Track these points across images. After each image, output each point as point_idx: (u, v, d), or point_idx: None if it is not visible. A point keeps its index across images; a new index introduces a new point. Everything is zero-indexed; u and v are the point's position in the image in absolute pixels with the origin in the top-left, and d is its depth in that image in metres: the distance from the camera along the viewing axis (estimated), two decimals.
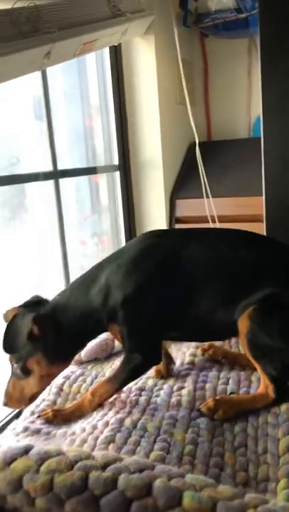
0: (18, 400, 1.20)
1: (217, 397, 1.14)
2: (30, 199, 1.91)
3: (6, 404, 1.21)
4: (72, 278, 1.68)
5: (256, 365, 1.15)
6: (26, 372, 1.18)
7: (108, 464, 0.83)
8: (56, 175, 1.74)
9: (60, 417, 1.17)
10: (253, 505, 0.77)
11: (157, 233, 1.30)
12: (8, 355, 1.18)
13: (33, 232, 1.96)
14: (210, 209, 2.08)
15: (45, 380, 1.22)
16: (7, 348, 1.15)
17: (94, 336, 1.29)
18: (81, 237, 2.30)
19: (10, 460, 0.83)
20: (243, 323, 1.13)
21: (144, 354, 1.17)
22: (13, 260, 1.80)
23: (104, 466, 0.82)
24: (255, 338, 1.12)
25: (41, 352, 1.17)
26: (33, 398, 1.23)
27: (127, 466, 0.82)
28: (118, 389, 1.19)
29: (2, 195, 1.74)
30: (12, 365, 1.19)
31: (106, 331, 1.24)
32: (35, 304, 1.24)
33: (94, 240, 2.40)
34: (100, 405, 1.18)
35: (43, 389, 1.23)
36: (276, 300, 1.13)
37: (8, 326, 1.15)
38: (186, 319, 1.20)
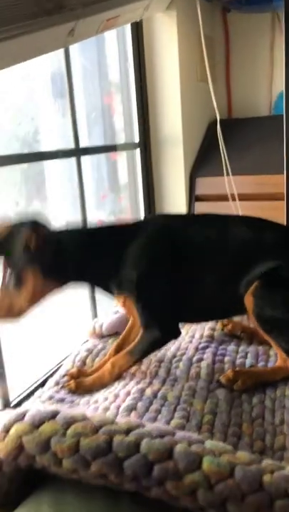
0: (4, 311, 1.18)
1: (236, 369, 1.17)
2: (50, 177, 1.93)
3: None
4: None
5: (270, 340, 1.19)
6: (19, 282, 1.16)
7: (131, 430, 0.86)
8: (78, 152, 1.75)
9: (82, 388, 1.22)
10: (270, 471, 0.81)
11: (168, 216, 1.40)
12: (3, 263, 1.18)
13: (52, 210, 1.99)
14: (230, 187, 2.08)
15: (36, 297, 1.19)
16: (4, 250, 1.15)
17: (93, 281, 1.29)
18: (99, 215, 2.33)
19: (38, 423, 0.87)
20: (249, 300, 1.17)
21: (161, 328, 1.20)
22: None
23: (127, 431, 0.86)
24: (262, 312, 1.16)
25: (38, 265, 1.16)
26: (19, 313, 1.20)
27: (149, 432, 0.86)
28: (137, 360, 1.23)
29: (23, 172, 1.77)
30: (5, 273, 1.18)
31: (109, 290, 1.26)
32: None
33: (111, 218, 2.40)
34: (120, 376, 1.22)
35: (30, 305, 1.20)
36: (277, 274, 1.16)
37: (8, 231, 1.15)
38: (196, 298, 1.24)
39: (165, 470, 0.79)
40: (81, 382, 1.23)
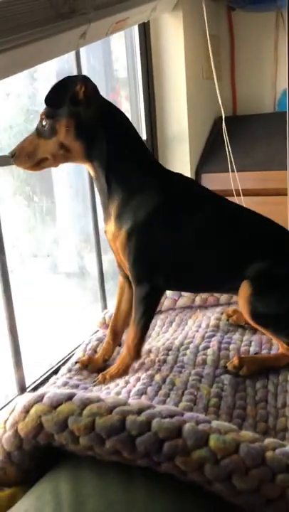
0: (27, 156, 1.19)
1: (241, 356, 1.23)
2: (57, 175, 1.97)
3: (13, 154, 1.20)
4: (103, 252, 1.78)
5: (267, 334, 1.25)
6: (51, 131, 1.16)
7: (142, 410, 0.92)
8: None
9: (110, 378, 1.24)
10: (272, 448, 0.86)
11: (195, 183, 1.38)
12: (40, 111, 1.18)
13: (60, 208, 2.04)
14: (235, 183, 2.13)
15: (61, 154, 1.19)
16: (49, 99, 1.15)
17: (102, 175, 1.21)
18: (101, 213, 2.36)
19: (56, 404, 0.93)
20: (242, 298, 1.21)
21: (150, 280, 1.20)
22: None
23: (139, 412, 0.91)
24: (254, 309, 1.20)
25: (76, 121, 1.15)
26: (40, 163, 1.20)
27: (159, 412, 0.92)
28: (142, 327, 1.23)
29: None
30: (40, 121, 1.18)
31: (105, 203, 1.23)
32: None
33: None
34: (139, 353, 1.26)
35: (52, 159, 1.20)
36: (270, 272, 1.20)
37: (60, 80, 1.15)
38: (191, 267, 1.25)
39: (174, 447, 0.84)
40: (106, 374, 1.26)
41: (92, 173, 1.25)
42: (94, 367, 1.34)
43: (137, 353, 1.25)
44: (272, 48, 2.54)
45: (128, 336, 1.26)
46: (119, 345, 1.40)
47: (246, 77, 2.64)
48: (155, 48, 2.16)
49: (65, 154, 1.19)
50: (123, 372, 1.25)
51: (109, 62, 2.26)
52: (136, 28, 2.08)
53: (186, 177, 1.33)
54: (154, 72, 2.19)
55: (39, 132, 1.18)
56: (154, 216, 1.18)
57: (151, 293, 1.22)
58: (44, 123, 1.17)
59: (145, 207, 1.17)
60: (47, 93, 1.14)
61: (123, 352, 1.28)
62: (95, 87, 1.16)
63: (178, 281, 1.31)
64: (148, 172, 1.23)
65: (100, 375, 1.26)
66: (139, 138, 1.27)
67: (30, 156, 1.18)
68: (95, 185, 1.27)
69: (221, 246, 1.25)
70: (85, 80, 1.14)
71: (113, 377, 1.24)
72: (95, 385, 1.23)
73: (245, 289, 1.20)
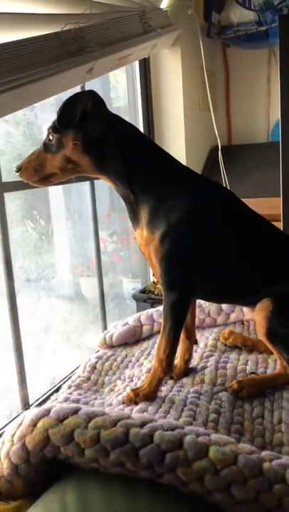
0: (33, 170, 1.17)
1: (240, 379, 1.24)
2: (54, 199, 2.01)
3: (19, 168, 1.19)
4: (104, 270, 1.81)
5: (273, 350, 1.27)
6: (58, 146, 1.15)
7: (145, 423, 0.95)
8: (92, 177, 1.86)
9: (141, 396, 1.19)
10: (269, 459, 0.90)
11: (230, 194, 1.29)
12: (48, 126, 1.17)
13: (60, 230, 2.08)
14: None
15: (70, 168, 1.18)
16: (63, 120, 1.12)
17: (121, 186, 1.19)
18: (101, 235, 2.41)
19: (63, 417, 0.96)
20: (260, 312, 1.21)
21: (181, 287, 1.17)
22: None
23: (142, 425, 0.95)
24: (272, 326, 1.20)
25: (83, 135, 1.13)
26: (46, 178, 1.20)
27: (161, 425, 0.95)
28: (174, 336, 1.19)
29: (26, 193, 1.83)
30: (48, 136, 1.17)
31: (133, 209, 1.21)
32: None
33: (113, 238, 2.50)
34: (172, 363, 1.22)
35: (60, 174, 1.19)
36: None
37: (68, 98, 1.13)
38: (221, 275, 1.22)
39: (176, 458, 0.88)
40: (138, 390, 1.21)
41: (109, 184, 1.22)
42: (178, 372, 1.31)
43: (169, 365, 1.20)
44: (265, 81, 2.66)
45: (158, 348, 1.21)
46: (196, 342, 1.38)
47: (241, 109, 2.75)
48: (155, 81, 2.27)
49: (74, 168, 1.18)
50: (156, 387, 1.21)
51: (107, 90, 2.35)
52: (137, 61, 2.19)
53: (213, 181, 1.29)
54: (154, 104, 2.30)
55: (46, 147, 1.18)
56: (187, 220, 1.15)
57: (181, 301, 1.18)
58: (51, 137, 1.16)
59: (178, 211, 1.14)
60: (59, 114, 1.11)
61: (154, 366, 1.22)
62: (102, 101, 1.14)
63: (206, 289, 1.26)
64: (174, 177, 1.20)
65: (130, 391, 1.21)
66: (157, 146, 1.24)
67: (36, 170, 1.18)
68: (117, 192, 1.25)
69: (254, 257, 1.22)
70: (92, 94, 1.12)
71: (146, 396, 1.19)
72: (124, 403, 1.20)
73: (265, 305, 1.20)
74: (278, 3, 2.16)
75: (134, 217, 1.21)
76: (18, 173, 1.20)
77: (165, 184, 1.17)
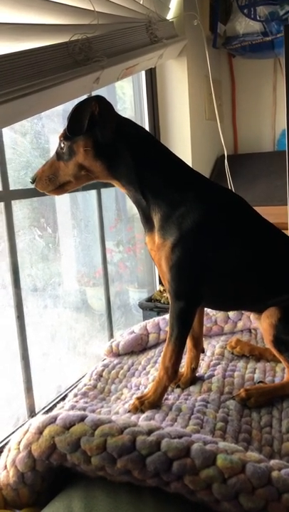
0: (48, 180, 1.18)
1: (247, 387, 1.23)
2: (61, 207, 2.02)
3: (34, 179, 1.19)
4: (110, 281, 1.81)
5: (280, 358, 1.26)
6: (70, 154, 1.15)
7: (152, 431, 0.95)
8: (99, 185, 1.88)
9: (146, 403, 1.19)
10: (278, 468, 0.89)
11: (242, 202, 1.27)
12: (59, 134, 1.17)
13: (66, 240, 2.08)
14: None
15: (83, 175, 1.17)
16: (72, 129, 1.12)
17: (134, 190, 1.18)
18: (107, 245, 2.41)
19: (69, 425, 0.95)
20: (267, 320, 1.21)
21: (188, 296, 1.16)
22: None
23: (148, 432, 0.94)
24: (279, 333, 1.19)
25: (93, 140, 1.13)
26: (61, 187, 1.20)
27: (168, 433, 0.94)
28: (180, 344, 1.18)
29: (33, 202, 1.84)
30: (59, 144, 1.17)
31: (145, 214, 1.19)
32: None
33: (119, 248, 2.50)
34: (177, 371, 1.21)
35: (74, 181, 1.19)
36: None
37: (75, 105, 1.12)
38: (230, 284, 1.21)
39: (183, 466, 0.87)
40: (143, 398, 1.21)
41: (121, 190, 1.22)
42: (185, 381, 1.31)
43: (174, 373, 1.20)
44: (270, 91, 2.68)
45: (164, 355, 1.20)
46: (203, 351, 1.38)
47: (247, 118, 2.76)
48: (161, 91, 2.28)
49: (87, 175, 1.18)
50: (161, 395, 1.20)
51: (114, 100, 2.37)
52: (143, 72, 2.21)
53: (223, 187, 1.28)
54: (160, 113, 2.31)
55: (59, 155, 1.18)
56: (199, 229, 1.13)
57: (188, 309, 1.18)
58: (62, 145, 1.16)
59: (190, 219, 1.13)
60: (68, 123, 1.11)
61: (159, 373, 1.22)
62: (109, 105, 1.13)
63: (213, 298, 1.26)
64: (186, 182, 1.18)
65: (135, 399, 1.20)
66: (169, 150, 1.22)
67: (51, 179, 1.18)
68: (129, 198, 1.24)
69: (262, 266, 1.21)
70: (99, 99, 1.11)
71: (151, 403, 1.19)
72: (129, 411, 1.19)
73: (273, 313, 1.20)
74: (284, 13, 2.18)
75: (146, 222, 1.21)
76: (33, 184, 1.20)
77: (177, 190, 1.16)
